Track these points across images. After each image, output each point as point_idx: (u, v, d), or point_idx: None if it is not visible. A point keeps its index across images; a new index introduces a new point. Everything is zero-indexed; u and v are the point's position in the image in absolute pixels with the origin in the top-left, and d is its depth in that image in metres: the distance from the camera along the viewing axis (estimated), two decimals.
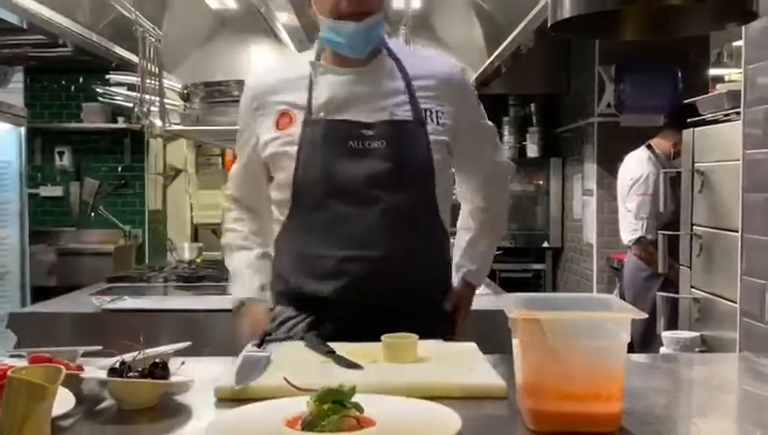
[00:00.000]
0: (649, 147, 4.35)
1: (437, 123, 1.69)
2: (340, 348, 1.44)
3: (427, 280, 1.72)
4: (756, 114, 2.21)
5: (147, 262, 5.78)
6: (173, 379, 1.23)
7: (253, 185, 1.86)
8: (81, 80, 6.32)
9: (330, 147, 1.64)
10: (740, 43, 2.36)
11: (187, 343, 1.43)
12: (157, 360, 1.23)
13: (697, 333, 2.75)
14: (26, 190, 5.57)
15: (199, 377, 1.27)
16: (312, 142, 1.65)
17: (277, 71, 1.84)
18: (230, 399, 1.21)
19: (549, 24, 1.28)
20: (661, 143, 4.33)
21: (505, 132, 6.61)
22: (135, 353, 1.25)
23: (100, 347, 1.43)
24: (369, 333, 1.47)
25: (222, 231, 1.96)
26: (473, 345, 1.52)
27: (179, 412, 1.19)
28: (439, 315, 1.78)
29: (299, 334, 1.65)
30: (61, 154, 6.39)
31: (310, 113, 1.67)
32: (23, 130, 5.45)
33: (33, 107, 6.18)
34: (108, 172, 6.49)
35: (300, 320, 1.71)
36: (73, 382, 1.18)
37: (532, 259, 6.57)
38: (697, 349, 2.70)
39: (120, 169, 6.50)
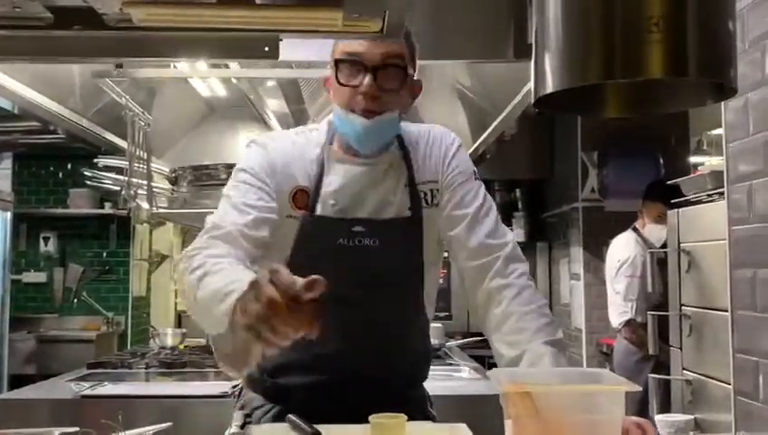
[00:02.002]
0: (635, 229, 4.38)
1: (433, 203, 1.67)
2: (327, 430, 1.39)
3: (401, 367, 1.66)
4: (740, 191, 2.24)
5: (129, 348, 5.67)
6: None
7: (259, 221, 1.51)
8: (68, 166, 6.35)
9: (320, 243, 1.57)
10: (719, 131, 2.42)
11: (168, 424, 1.38)
12: None
13: (691, 417, 2.70)
14: (9, 276, 5.50)
15: None
16: (305, 235, 1.58)
17: (291, 147, 1.65)
18: None
19: (532, 101, 1.29)
20: (645, 219, 4.35)
21: None
22: None
23: (77, 428, 1.38)
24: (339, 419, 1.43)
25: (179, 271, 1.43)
26: (463, 427, 1.47)
27: None
28: (410, 405, 1.64)
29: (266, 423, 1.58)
30: (46, 240, 6.35)
31: (315, 203, 1.59)
32: (9, 215, 5.44)
33: (20, 193, 6.19)
34: (93, 258, 6.45)
35: (267, 410, 1.62)
36: None
37: None
38: (692, 432, 2.65)
39: (105, 254, 6.46)
